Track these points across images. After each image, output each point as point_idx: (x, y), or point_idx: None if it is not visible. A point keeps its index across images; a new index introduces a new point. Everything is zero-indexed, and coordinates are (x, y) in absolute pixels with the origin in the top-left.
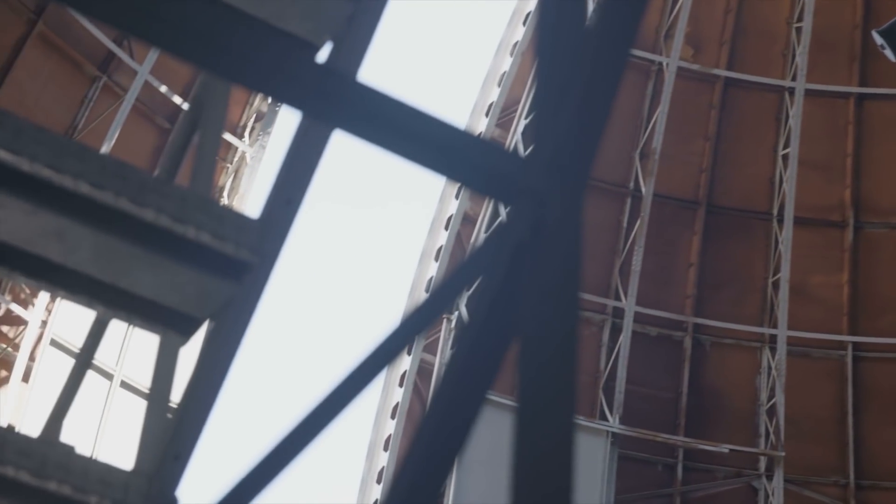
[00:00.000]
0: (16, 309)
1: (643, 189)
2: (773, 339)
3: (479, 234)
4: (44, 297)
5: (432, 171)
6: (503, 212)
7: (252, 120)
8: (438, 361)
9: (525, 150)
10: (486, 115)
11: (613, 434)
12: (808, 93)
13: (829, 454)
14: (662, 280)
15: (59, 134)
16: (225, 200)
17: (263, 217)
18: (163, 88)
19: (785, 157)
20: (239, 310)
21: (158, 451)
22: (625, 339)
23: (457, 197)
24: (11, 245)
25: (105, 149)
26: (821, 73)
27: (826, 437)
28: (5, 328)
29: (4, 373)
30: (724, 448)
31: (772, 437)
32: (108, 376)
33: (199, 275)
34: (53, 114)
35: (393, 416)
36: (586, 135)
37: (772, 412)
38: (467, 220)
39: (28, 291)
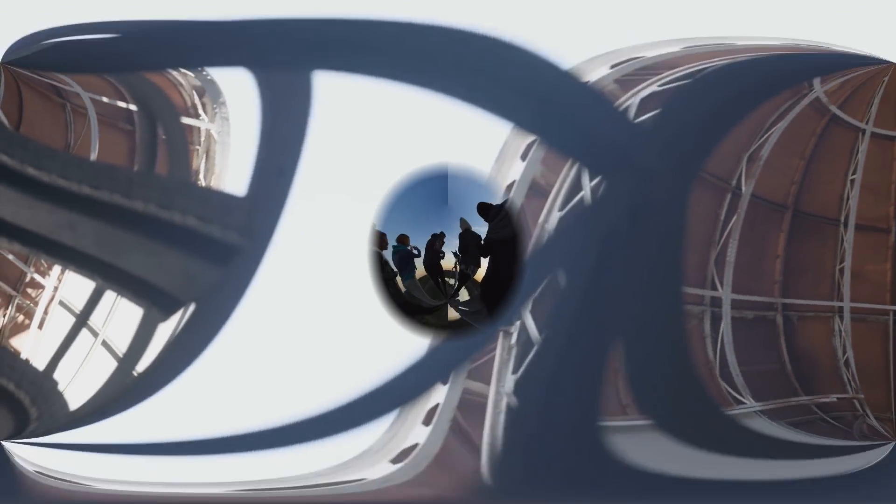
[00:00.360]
0: (36, 277)
1: (743, 188)
2: (841, 310)
3: (553, 212)
4: (57, 269)
5: (499, 118)
6: (587, 186)
7: (196, 97)
8: (494, 391)
9: (636, 119)
10: (611, 67)
11: (758, 412)
12: (872, 135)
13: (881, 396)
14: (753, 269)
15: (61, 151)
16: (202, 183)
17: (251, 193)
18: (104, 98)
19: (852, 181)
20: (224, 293)
21: (103, 407)
22: (726, 326)
23: (523, 158)
24: (37, 233)
25: (93, 157)
26: (882, 119)
27: (879, 382)
28: (29, 290)
29: (27, 321)
30: (833, 397)
31: (852, 383)
32: (95, 334)
33: (185, 258)
34: (55, 137)
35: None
36: (716, 122)
37: (847, 364)
38: (536, 192)
39: (46, 265)
